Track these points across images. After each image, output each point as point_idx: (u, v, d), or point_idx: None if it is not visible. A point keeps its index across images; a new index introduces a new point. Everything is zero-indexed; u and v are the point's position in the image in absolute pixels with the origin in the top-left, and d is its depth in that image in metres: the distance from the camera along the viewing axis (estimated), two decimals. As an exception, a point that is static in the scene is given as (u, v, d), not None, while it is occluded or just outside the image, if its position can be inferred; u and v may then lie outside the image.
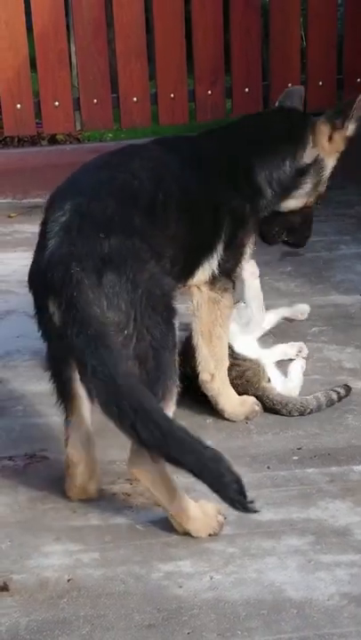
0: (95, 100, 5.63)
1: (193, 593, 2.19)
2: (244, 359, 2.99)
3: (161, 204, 2.56)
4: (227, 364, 2.93)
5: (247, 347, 3.05)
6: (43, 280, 2.34)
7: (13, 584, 2.24)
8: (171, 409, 2.38)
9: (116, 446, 2.74)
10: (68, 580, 2.25)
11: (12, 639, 2.07)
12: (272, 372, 3.02)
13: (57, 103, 5.60)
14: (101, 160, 2.71)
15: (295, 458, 2.72)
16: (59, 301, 2.28)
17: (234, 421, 2.92)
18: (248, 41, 5.65)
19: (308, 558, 2.29)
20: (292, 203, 3.01)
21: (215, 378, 2.90)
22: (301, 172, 2.97)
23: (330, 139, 2.98)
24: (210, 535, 2.37)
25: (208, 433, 2.86)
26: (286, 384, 3.03)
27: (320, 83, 5.73)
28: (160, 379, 2.35)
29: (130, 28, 5.54)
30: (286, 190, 2.95)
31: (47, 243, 2.36)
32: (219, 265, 2.83)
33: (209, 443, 2.76)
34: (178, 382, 2.41)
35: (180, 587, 2.21)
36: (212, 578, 2.23)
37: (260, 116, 3.47)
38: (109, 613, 2.14)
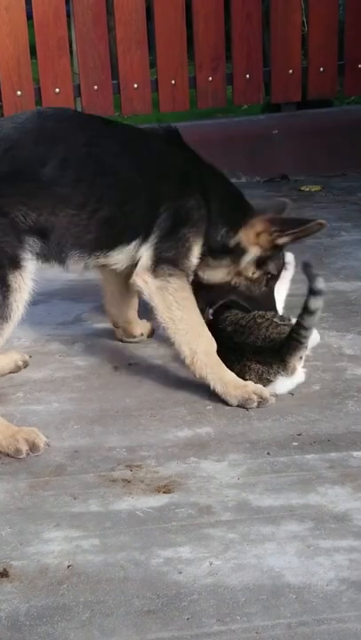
0: (96, 87, 5.63)
1: (192, 579, 2.19)
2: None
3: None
4: (206, 340, 2.92)
5: None
6: None
7: (13, 570, 2.24)
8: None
9: (115, 432, 2.76)
10: (68, 567, 2.25)
11: (11, 625, 2.07)
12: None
13: (57, 90, 5.60)
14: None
15: (295, 444, 2.73)
16: None
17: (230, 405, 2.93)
18: (249, 27, 5.64)
19: (307, 544, 2.29)
20: (211, 272, 3.06)
21: (195, 361, 2.91)
22: (223, 249, 3.02)
23: (258, 235, 3.00)
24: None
25: (208, 419, 2.86)
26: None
27: (321, 69, 5.73)
28: None
29: (130, 14, 5.53)
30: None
31: None
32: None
33: (209, 429, 2.82)
34: None
35: (180, 572, 2.21)
36: (211, 563, 2.24)
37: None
38: (109, 599, 2.14)
